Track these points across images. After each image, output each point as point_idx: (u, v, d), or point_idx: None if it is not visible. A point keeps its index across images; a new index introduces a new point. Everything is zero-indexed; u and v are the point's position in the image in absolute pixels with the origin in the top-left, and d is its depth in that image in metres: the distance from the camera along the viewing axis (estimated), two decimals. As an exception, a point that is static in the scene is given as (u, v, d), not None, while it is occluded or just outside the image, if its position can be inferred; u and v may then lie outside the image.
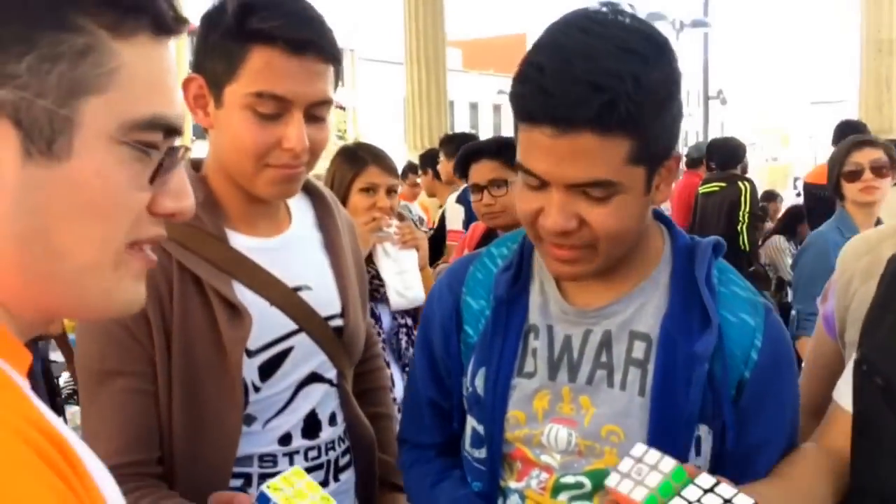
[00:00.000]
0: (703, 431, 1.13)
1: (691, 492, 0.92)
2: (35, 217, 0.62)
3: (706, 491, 0.91)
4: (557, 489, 1.18)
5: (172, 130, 0.68)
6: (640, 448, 0.97)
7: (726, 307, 1.15)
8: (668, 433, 1.10)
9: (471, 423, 1.26)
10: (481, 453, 1.23)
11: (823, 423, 1.26)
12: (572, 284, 1.19)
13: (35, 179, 0.62)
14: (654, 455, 0.95)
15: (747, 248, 5.79)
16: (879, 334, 1.12)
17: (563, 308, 1.20)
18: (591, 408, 1.16)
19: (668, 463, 0.94)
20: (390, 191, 2.65)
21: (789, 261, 6.53)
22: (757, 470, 1.15)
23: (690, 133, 34.22)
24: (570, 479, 1.17)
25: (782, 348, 1.18)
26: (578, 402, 1.17)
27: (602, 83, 0.97)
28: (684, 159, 7.46)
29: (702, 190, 6.12)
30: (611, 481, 0.96)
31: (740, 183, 5.90)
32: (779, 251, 6.65)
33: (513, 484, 1.21)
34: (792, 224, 6.82)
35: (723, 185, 5.94)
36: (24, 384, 0.62)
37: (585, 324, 1.18)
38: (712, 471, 1.05)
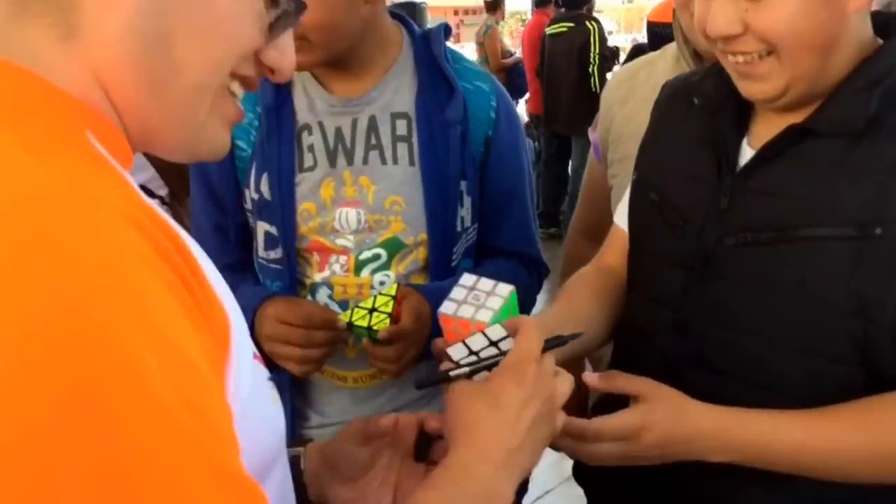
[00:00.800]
0: (464, 186, 1.33)
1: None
2: (163, 19, 0.60)
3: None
4: (359, 267, 1.32)
5: None
6: (469, 277, 1.00)
7: (464, 78, 1.34)
8: (439, 192, 1.30)
9: (262, 227, 1.35)
10: (277, 253, 1.33)
11: (604, 243, 1.35)
12: (331, 78, 1.31)
13: None
14: (487, 282, 1.00)
15: (598, 90, 5.84)
16: (654, 155, 1.20)
17: (329, 102, 1.31)
18: (372, 185, 1.31)
19: (505, 288, 0.99)
20: None
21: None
22: (507, 217, 1.40)
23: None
24: (367, 254, 1.32)
25: (511, 108, 1.41)
26: (360, 184, 1.31)
27: None
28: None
29: (548, 31, 6.07)
30: (446, 309, 0.97)
31: (588, 24, 5.87)
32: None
33: (317, 277, 1.34)
34: (636, 62, 6.90)
35: (570, 25, 5.89)
36: (131, 178, 0.60)
37: (351, 113, 1.31)
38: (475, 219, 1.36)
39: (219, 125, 0.68)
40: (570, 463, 1.18)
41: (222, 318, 0.57)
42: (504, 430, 0.77)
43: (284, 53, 0.70)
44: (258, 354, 0.66)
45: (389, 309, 1.20)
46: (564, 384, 0.85)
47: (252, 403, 0.60)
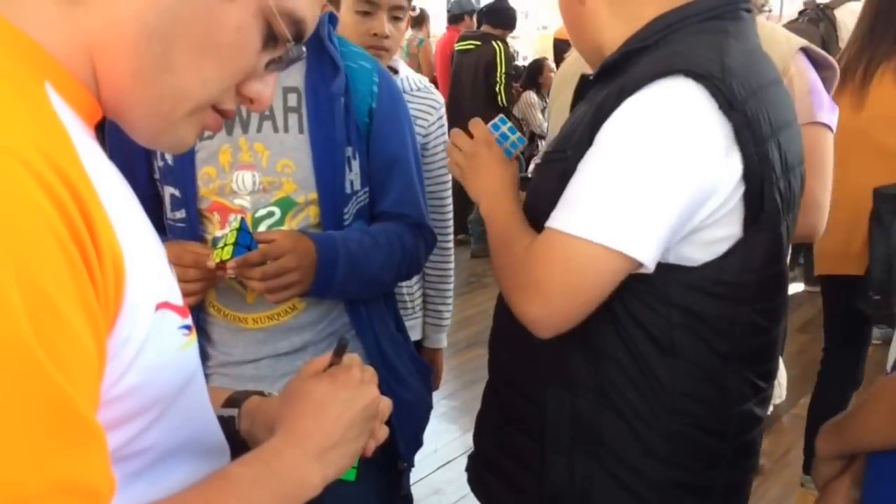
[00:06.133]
0: (350, 152, 1.49)
1: None
2: (171, 22, 0.65)
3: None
4: (255, 224, 1.46)
5: (300, 37, 0.74)
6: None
7: (348, 59, 1.52)
8: (327, 157, 1.46)
9: (168, 190, 1.49)
10: (181, 213, 1.47)
11: None
12: None
13: None
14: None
15: (505, 105, 6.17)
16: (575, 136, 1.36)
17: None
18: (266, 151, 1.46)
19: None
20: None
21: (539, 115, 7.02)
22: (392, 183, 1.57)
23: None
24: (262, 212, 1.46)
25: (393, 85, 1.61)
26: (255, 150, 1.46)
27: None
28: (447, 15, 7.59)
29: (458, 47, 6.34)
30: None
31: (494, 43, 6.16)
32: (529, 106, 7.09)
33: (218, 233, 1.46)
34: (533, 77, 7.21)
35: (477, 43, 6.19)
36: (82, 131, 0.64)
37: None
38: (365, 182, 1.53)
39: (190, 128, 0.72)
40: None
41: (116, 273, 0.60)
42: (324, 425, 0.81)
43: (267, 86, 0.75)
44: (172, 304, 0.69)
45: (233, 240, 1.33)
46: (386, 399, 0.89)
47: (149, 347, 0.64)
